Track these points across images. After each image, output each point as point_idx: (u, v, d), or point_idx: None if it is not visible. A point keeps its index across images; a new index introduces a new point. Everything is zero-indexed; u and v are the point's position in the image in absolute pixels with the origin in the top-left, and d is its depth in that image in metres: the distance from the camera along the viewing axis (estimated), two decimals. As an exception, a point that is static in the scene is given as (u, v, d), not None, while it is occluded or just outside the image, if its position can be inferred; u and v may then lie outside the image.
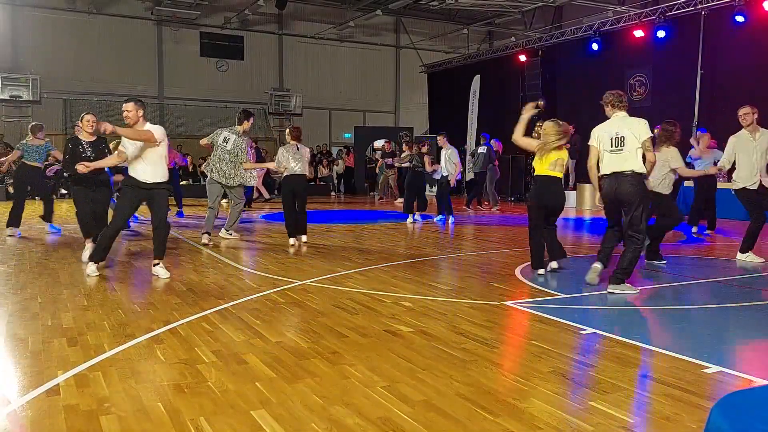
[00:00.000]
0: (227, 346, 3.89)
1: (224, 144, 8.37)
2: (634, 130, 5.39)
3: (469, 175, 11.53)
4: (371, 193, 20.51)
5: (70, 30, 20.66)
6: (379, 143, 24.19)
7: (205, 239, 8.42)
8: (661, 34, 14.46)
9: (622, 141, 5.41)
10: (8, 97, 19.57)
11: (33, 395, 3.10)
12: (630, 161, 5.37)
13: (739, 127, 7.13)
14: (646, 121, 5.43)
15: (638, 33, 15.05)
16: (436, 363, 3.60)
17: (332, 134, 25.25)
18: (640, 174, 5.39)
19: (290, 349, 3.86)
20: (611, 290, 5.41)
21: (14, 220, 9.22)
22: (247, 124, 8.52)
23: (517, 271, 6.55)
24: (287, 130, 8.76)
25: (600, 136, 5.59)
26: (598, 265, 5.74)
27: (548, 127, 6.26)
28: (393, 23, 25.64)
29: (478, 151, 14.71)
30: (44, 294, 5.38)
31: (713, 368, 3.50)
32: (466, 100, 20.60)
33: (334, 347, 3.89)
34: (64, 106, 20.45)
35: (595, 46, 16.13)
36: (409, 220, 11.59)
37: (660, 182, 6.82)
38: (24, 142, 9.16)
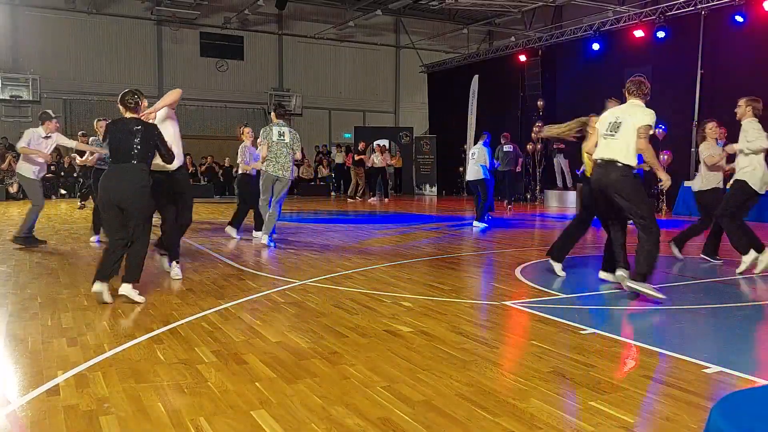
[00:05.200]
0: (227, 346, 3.89)
1: (281, 138, 8.27)
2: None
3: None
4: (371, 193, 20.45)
5: (70, 30, 20.66)
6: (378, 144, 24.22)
7: (265, 240, 8.31)
8: (660, 34, 14.47)
9: None
10: (8, 97, 19.57)
11: (33, 395, 3.09)
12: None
13: (738, 126, 7.11)
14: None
15: (638, 33, 15.05)
16: (436, 363, 3.59)
17: (332, 134, 25.24)
18: None
19: (290, 349, 3.86)
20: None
21: None
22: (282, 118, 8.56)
23: (517, 271, 6.54)
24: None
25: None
26: None
27: None
28: (393, 23, 25.64)
29: (504, 150, 14.59)
30: (44, 294, 5.37)
31: (713, 368, 3.50)
32: (466, 100, 20.59)
33: (334, 347, 3.89)
34: (64, 106, 20.44)
35: (595, 46, 16.14)
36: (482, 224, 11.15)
37: None
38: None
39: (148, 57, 21.89)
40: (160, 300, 5.17)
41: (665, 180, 5.35)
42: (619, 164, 5.20)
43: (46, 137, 8.06)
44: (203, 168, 20.85)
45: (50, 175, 18.41)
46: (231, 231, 9.22)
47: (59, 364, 3.55)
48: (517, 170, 15.27)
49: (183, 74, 22.29)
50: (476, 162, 10.93)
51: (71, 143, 8.70)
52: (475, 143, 12.07)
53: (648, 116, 5.22)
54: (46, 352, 3.78)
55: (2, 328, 4.32)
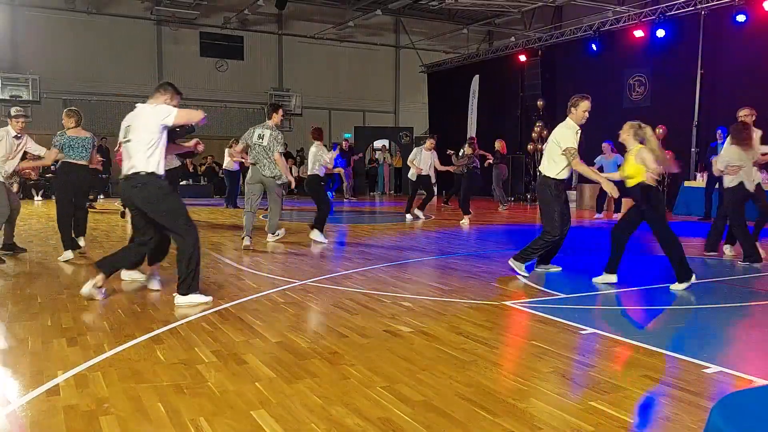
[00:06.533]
0: (227, 346, 3.89)
1: (260, 141, 7.92)
2: None
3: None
4: (371, 194, 20.48)
5: (70, 30, 20.64)
6: (379, 143, 24.24)
7: (247, 241, 8.09)
8: (660, 33, 14.46)
9: None
10: (8, 97, 19.55)
11: (33, 395, 3.10)
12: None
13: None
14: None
15: (638, 33, 15.04)
16: (435, 363, 3.59)
17: (332, 134, 25.24)
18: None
19: (290, 349, 3.86)
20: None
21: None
22: (276, 117, 8.06)
23: (517, 271, 6.54)
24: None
25: None
26: None
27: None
28: (392, 23, 25.62)
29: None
30: (44, 294, 5.38)
31: (713, 368, 3.50)
32: (466, 100, 20.60)
33: (334, 347, 3.89)
34: (64, 106, 20.37)
35: (594, 46, 16.13)
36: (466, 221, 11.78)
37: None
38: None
39: (148, 57, 21.86)
40: (160, 300, 5.17)
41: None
42: (540, 174, 6.07)
43: (16, 137, 7.25)
44: (203, 168, 20.86)
45: (50, 175, 18.43)
46: (317, 236, 8.70)
47: (59, 364, 3.55)
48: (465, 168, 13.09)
49: (183, 74, 22.24)
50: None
51: (40, 149, 7.41)
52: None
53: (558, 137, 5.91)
54: (46, 352, 3.78)
55: (2, 328, 4.32)
